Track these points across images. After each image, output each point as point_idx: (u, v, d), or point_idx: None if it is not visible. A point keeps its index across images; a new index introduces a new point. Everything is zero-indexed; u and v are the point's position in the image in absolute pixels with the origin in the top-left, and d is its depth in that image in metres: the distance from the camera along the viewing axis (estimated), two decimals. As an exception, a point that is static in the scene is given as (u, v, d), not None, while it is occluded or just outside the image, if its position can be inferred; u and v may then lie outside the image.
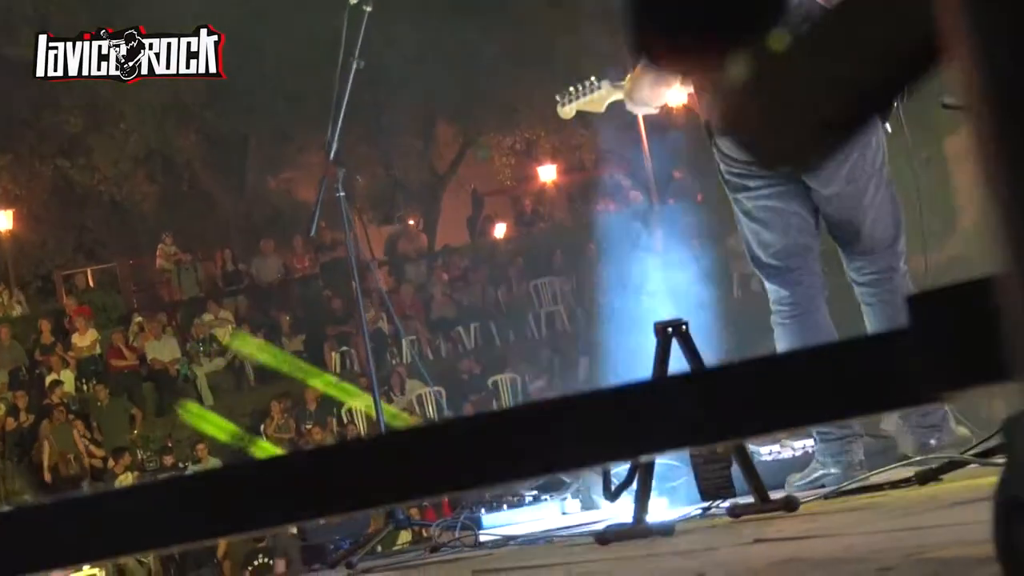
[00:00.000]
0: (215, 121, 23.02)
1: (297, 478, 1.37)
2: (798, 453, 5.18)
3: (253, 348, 19.35)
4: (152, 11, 20.86)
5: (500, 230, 26.25)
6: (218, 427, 18.13)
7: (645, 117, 22.04)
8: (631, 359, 20.37)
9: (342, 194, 5.34)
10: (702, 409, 1.14)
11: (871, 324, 4.58)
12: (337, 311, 20.52)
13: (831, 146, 0.70)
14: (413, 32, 20.77)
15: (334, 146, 5.27)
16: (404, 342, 19.76)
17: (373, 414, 15.95)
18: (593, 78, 5.09)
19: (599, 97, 5.12)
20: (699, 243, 21.79)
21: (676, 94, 4.90)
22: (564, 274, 21.87)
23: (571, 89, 5.17)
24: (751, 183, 4.51)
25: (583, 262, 21.93)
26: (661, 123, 22.62)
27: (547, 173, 26.23)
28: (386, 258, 22.58)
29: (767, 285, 4.64)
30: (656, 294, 20.38)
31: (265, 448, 17.60)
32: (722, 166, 4.61)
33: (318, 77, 20.86)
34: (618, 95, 5.05)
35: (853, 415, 1.09)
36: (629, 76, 4.96)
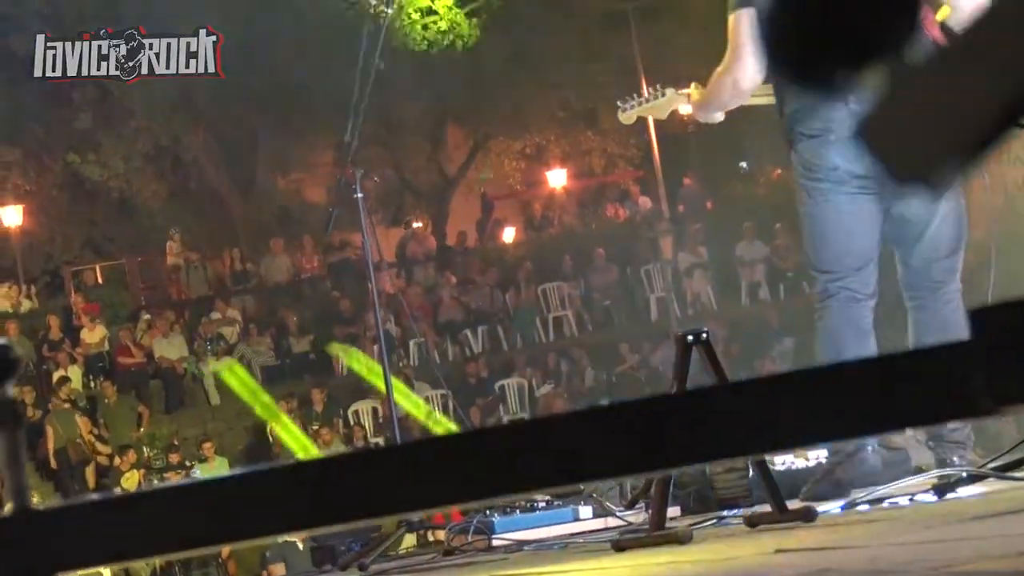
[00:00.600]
0: (225, 119, 23.05)
1: (327, 482, 1.36)
2: (812, 464, 5.16)
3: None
4: (162, 9, 20.92)
5: (509, 234, 26.25)
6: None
7: (655, 121, 22.07)
8: (639, 366, 20.28)
9: (360, 195, 5.32)
10: (758, 421, 1.13)
11: (918, 333, 4.57)
12: (345, 312, 20.53)
13: (963, 165, 0.70)
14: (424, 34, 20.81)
15: (353, 147, 5.25)
16: (412, 344, 19.77)
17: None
18: (658, 85, 5.07)
19: (662, 104, 5.09)
20: (708, 250, 21.82)
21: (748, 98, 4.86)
22: (572, 279, 21.86)
23: (635, 95, 5.15)
24: (828, 189, 4.51)
25: (592, 267, 21.93)
26: (672, 129, 22.62)
27: (557, 178, 26.23)
28: (395, 260, 22.60)
29: (819, 283, 4.63)
30: (664, 301, 20.43)
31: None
32: (799, 168, 4.60)
33: (329, 77, 20.96)
34: (682, 102, 5.03)
35: (912, 425, 1.09)
36: (695, 84, 4.95)
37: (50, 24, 20.82)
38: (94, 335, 19.31)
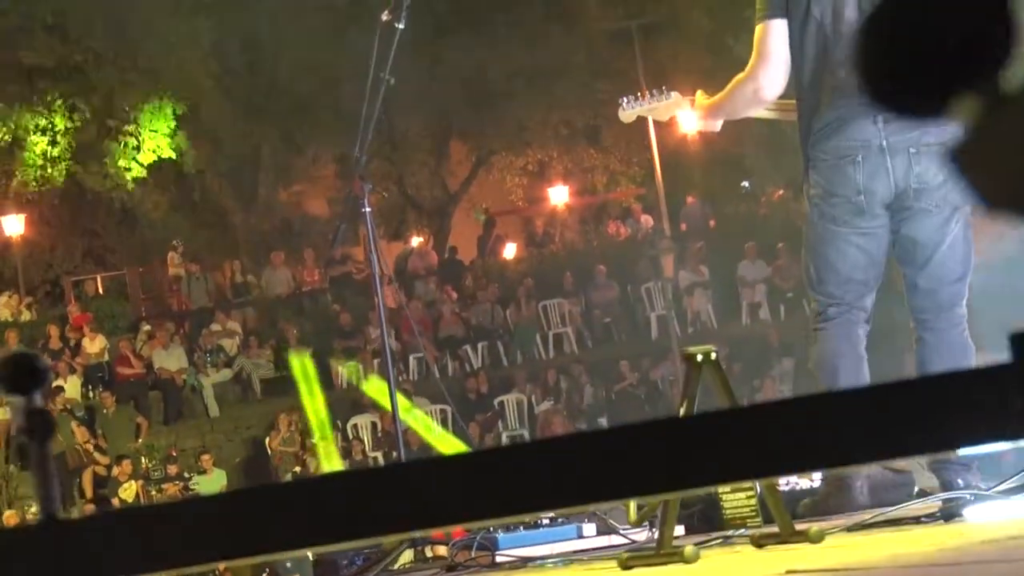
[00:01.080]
0: (228, 131, 23.07)
1: (351, 497, 1.36)
2: (816, 484, 5.15)
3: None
4: (170, 23, 20.96)
5: (510, 250, 26.26)
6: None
7: (658, 139, 22.08)
8: (639, 384, 20.23)
9: (368, 210, 5.32)
10: (790, 442, 1.13)
11: (924, 355, 4.55)
12: (345, 326, 20.53)
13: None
14: (428, 49, 20.84)
15: (362, 161, 5.26)
16: (411, 359, 19.76)
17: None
18: (664, 87, 5.04)
19: (664, 107, 5.05)
20: (709, 269, 21.82)
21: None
22: (573, 296, 21.86)
23: (638, 94, 5.12)
24: (842, 219, 4.49)
25: (592, 284, 21.93)
26: (675, 146, 22.65)
27: (559, 194, 26.25)
28: (395, 275, 22.60)
29: (817, 304, 4.62)
30: (665, 319, 20.42)
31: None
32: (817, 190, 4.55)
33: (332, 91, 21.02)
34: (685, 107, 5.00)
35: (950, 448, 1.09)
36: (700, 92, 4.93)
37: (56, 36, 20.89)
38: (95, 345, 19.31)
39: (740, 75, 4.69)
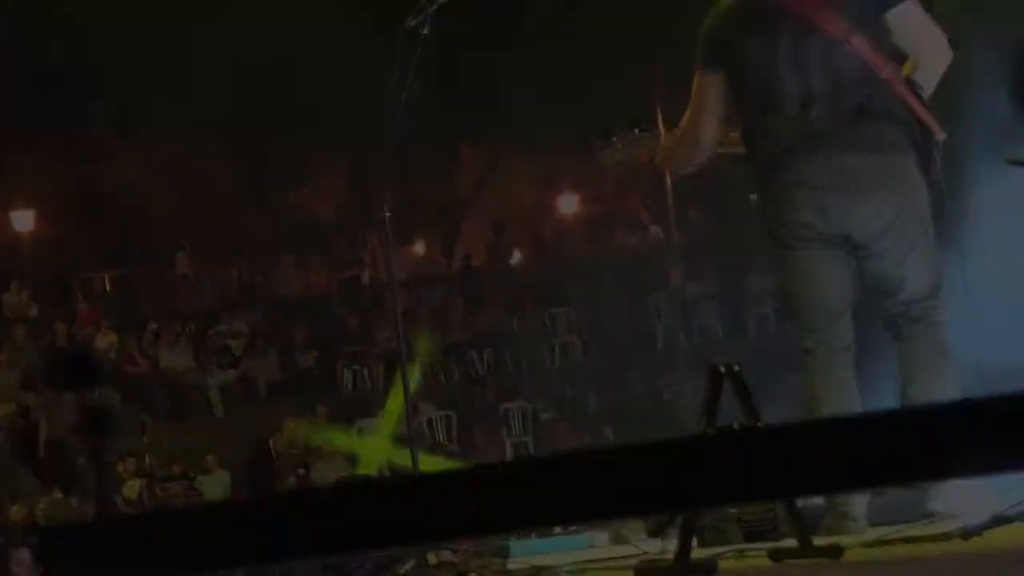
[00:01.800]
0: (239, 134, 23.10)
1: (386, 507, 1.37)
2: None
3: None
4: (184, 26, 20.99)
5: (518, 257, 26.24)
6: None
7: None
8: (644, 394, 20.14)
9: (387, 215, 5.34)
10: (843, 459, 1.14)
11: (905, 363, 4.56)
12: (351, 329, 20.53)
13: None
14: (441, 55, 20.84)
15: (386, 167, 5.28)
16: (417, 364, 19.74)
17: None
18: (636, 130, 5.05)
19: (644, 152, 5.09)
20: (717, 281, 21.78)
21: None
22: (580, 304, 21.83)
23: (612, 137, 5.11)
24: (794, 245, 4.52)
25: (600, 294, 21.89)
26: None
27: (567, 203, 26.24)
28: (403, 280, 22.59)
29: (797, 335, 4.65)
30: (671, 330, 20.37)
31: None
32: (769, 223, 4.60)
33: (345, 95, 21.04)
34: (655, 145, 5.02)
35: (1001, 471, 1.09)
36: (664, 135, 4.99)
37: (70, 35, 20.93)
38: (104, 341, 19.30)
39: (680, 131, 4.76)
